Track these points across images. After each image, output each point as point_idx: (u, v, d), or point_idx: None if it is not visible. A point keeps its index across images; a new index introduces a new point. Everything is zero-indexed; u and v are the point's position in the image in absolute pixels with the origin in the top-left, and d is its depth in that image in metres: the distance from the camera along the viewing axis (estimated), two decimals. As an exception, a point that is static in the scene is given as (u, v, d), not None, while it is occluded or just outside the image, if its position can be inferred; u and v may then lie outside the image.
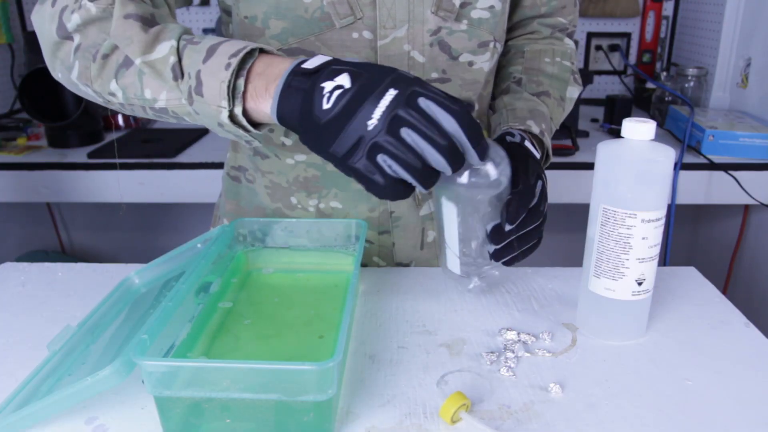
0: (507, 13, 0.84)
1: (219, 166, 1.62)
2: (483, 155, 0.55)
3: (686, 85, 1.89)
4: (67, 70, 0.66)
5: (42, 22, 0.67)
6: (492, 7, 0.79)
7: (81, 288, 0.83)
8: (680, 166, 1.60)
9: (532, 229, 0.68)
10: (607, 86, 2.22)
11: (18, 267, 0.89)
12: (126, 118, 1.98)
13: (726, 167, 1.60)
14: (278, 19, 0.73)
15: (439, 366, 0.65)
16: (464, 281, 0.74)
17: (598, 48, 2.18)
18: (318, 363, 0.49)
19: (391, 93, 0.51)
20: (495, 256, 0.68)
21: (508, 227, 0.65)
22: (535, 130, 0.80)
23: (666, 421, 0.57)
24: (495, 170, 0.62)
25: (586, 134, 1.81)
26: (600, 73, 2.19)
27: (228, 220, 0.95)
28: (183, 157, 1.68)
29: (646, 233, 0.65)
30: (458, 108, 0.53)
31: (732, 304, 0.78)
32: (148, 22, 0.62)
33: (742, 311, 0.76)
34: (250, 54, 0.59)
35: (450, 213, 0.67)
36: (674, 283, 0.82)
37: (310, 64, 0.56)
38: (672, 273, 0.85)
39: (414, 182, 0.53)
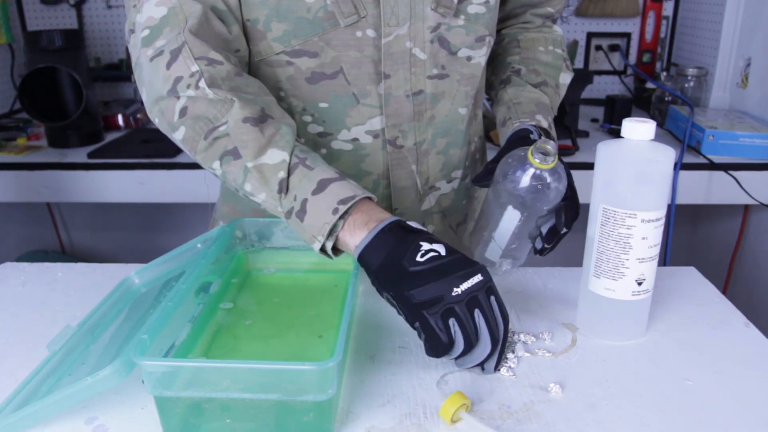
0: (498, 8, 0.85)
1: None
2: (495, 367, 0.64)
3: (686, 85, 1.89)
4: (168, 125, 0.70)
5: (153, 74, 0.69)
6: (487, 2, 0.80)
7: (81, 288, 0.83)
8: (680, 166, 1.60)
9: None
10: (607, 86, 2.22)
11: (18, 267, 0.89)
12: (126, 118, 1.98)
13: (726, 167, 1.60)
14: (280, 21, 0.73)
15: (439, 366, 0.65)
16: (495, 268, 0.78)
17: (598, 48, 2.18)
18: (318, 363, 0.49)
19: (478, 278, 0.61)
20: (543, 253, 0.76)
21: (563, 230, 0.73)
22: (545, 124, 0.83)
23: (666, 421, 0.57)
24: (562, 187, 0.69)
25: (586, 134, 1.81)
26: (600, 73, 2.19)
27: (224, 222, 0.94)
28: (183, 157, 1.68)
29: (646, 233, 0.65)
30: (508, 319, 0.63)
31: (732, 304, 0.78)
32: (261, 120, 0.67)
33: (742, 311, 0.76)
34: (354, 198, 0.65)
35: (512, 217, 0.72)
36: (674, 283, 0.82)
37: (413, 224, 0.64)
38: (672, 273, 0.85)
39: (459, 352, 0.60)
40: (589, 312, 0.71)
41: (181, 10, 0.68)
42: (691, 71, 1.89)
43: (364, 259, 0.63)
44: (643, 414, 0.58)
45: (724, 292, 1.77)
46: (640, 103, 2.09)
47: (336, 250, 0.66)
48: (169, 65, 0.68)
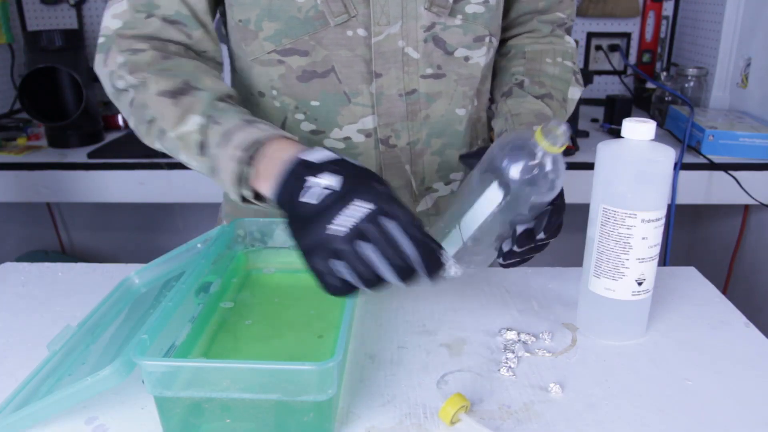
0: (501, 8, 0.83)
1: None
2: (432, 272, 0.55)
3: (686, 85, 1.89)
4: (126, 116, 0.75)
5: (100, 76, 0.76)
6: (486, 1, 0.79)
7: (81, 288, 0.83)
8: (680, 166, 1.59)
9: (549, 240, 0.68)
10: (607, 86, 2.22)
11: (18, 267, 0.89)
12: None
13: (726, 167, 1.60)
14: (271, 21, 0.74)
15: (439, 366, 0.65)
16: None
17: (598, 48, 2.18)
18: (318, 363, 0.49)
19: (362, 207, 0.53)
20: (506, 256, 0.67)
21: (541, 236, 0.65)
22: None
23: (666, 421, 0.57)
24: (557, 184, 0.62)
25: (586, 134, 1.81)
26: (600, 73, 2.19)
27: (228, 221, 0.95)
28: (183, 157, 1.68)
29: (646, 233, 0.65)
30: (420, 235, 0.54)
31: (732, 304, 0.78)
32: (180, 92, 0.69)
33: (742, 311, 0.76)
34: (262, 144, 0.63)
35: (492, 198, 0.63)
36: (674, 283, 0.82)
37: (315, 157, 0.58)
38: (672, 273, 0.85)
39: (363, 287, 0.55)
40: (589, 312, 0.71)
41: (135, 26, 0.73)
42: (691, 71, 1.89)
43: (282, 209, 0.59)
44: (643, 414, 0.58)
45: (724, 292, 1.77)
46: (640, 103, 2.09)
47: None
48: (105, 62, 0.74)
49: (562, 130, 0.58)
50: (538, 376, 0.63)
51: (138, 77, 0.71)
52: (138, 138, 0.75)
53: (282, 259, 0.81)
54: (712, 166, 1.60)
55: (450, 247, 0.67)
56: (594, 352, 0.68)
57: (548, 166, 0.60)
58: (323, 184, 0.55)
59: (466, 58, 0.81)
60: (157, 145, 0.72)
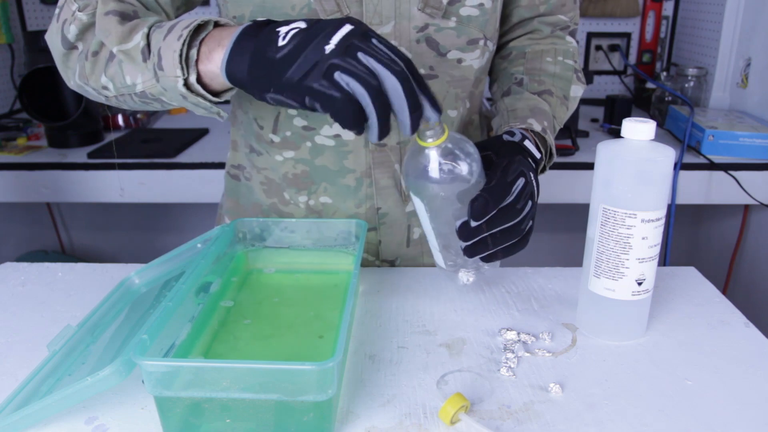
0: (499, 12, 0.83)
1: (219, 166, 1.62)
2: (432, 102, 0.57)
3: (686, 85, 1.89)
4: (74, 75, 0.72)
5: (51, 37, 0.73)
6: (482, 4, 0.78)
7: (81, 288, 0.83)
8: (680, 166, 1.60)
9: (510, 227, 0.66)
10: (607, 86, 2.22)
11: (18, 267, 0.89)
12: (126, 118, 1.98)
13: (726, 167, 1.60)
14: (265, 17, 0.74)
15: (439, 366, 0.65)
16: (455, 277, 0.72)
17: (598, 48, 2.18)
18: (318, 363, 0.49)
19: (348, 27, 0.54)
20: (467, 252, 0.66)
21: (473, 224, 0.64)
22: (537, 127, 0.78)
23: (666, 421, 0.57)
24: (460, 165, 0.63)
25: (586, 134, 1.81)
26: (600, 73, 2.19)
27: (228, 218, 0.95)
28: (183, 157, 1.68)
29: (646, 233, 0.65)
30: (402, 54, 0.55)
31: (732, 304, 0.78)
32: (127, 17, 0.67)
33: (742, 311, 0.76)
34: (204, 26, 0.62)
35: (420, 208, 0.67)
36: (674, 283, 0.82)
37: (264, 18, 0.59)
38: (672, 273, 0.85)
39: (369, 102, 0.53)
40: (589, 312, 0.71)
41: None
42: (691, 71, 1.89)
43: (233, 75, 0.59)
44: (643, 414, 0.58)
45: (724, 292, 1.77)
46: (640, 103, 2.09)
47: (214, 93, 0.64)
48: (57, 17, 0.72)
49: (433, 121, 0.59)
50: (538, 376, 0.63)
51: (89, 11, 0.69)
52: (77, 83, 0.73)
53: (282, 259, 0.81)
54: (712, 166, 1.60)
55: (438, 260, 0.71)
56: (594, 352, 0.68)
57: (436, 161, 0.62)
58: (293, 26, 0.55)
59: (459, 60, 0.81)
60: (102, 79, 0.69)
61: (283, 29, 0.56)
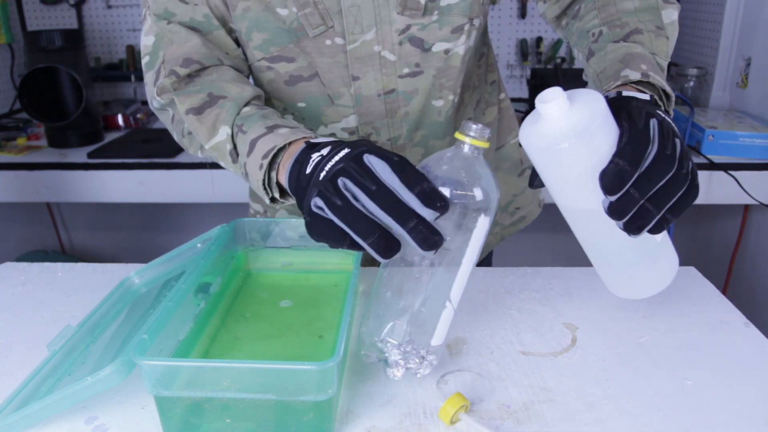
0: None
1: (218, 165, 1.62)
2: (425, 200, 0.52)
3: (686, 85, 1.89)
4: (171, 132, 0.82)
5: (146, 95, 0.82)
6: None
7: (81, 288, 0.83)
8: (680, 166, 1.59)
9: (670, 179, 0.54)
10: (607, 86, 2.22)
11: (18, 267, 0.89)
12: (126, 117, 1.98)
13: (726, 167, 1.60)
14: (259, 31, 0.79)
15: (439, 366, 0.65)
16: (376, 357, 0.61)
17: (598, 48, 2.18)
18: (318, 363, 0.49)
19: (342, 152, 0.56)
20: (628, 228, 0.56)
21: (611, 198, 0.54)
22: (635, 76, 0.68)
23: (666, 421, 0.57)
24: (479, 189, 0.56)
25: (586, 134, 1.81)
26: (600, 73, 2.19)
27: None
28: (183, 157, 1.68)
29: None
30: (396, 158, 0.54)
31: (732, 304, 0.77)
32: (206, 105, 0.73)
33: (742, 311, 0.76)
34: (281, 148, 0.65)
35: (483, 230, 0.58)
36: (674, 283, 0.82)
37: (318, 139, 0.62)
38: (672, 273, 0.85)
39: (343, 226, 0.53)
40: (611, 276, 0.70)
41: (165, 35, 0.77)
42: (691, 71, 1.89)
43: (295, 193, 0.61)
44: (643, 414, 0.58)
45: (724, 292, 1.77)
46: (640, 103, 2.09)
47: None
48: (145, 84, 0.81)
49: (478, 126, 0.57)
50: (538, 376, 0.63)
51: (166, 98, 0.76)
52: (182, 147, 0.82)
53: (282, 259, 0.81)
54: (712, 166, 1.60)
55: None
56: (594, 352, 0.68)
57: (424, 212, 0.53)
58: (323, 153, 0.58)
59: (446, 51, 0.81)
60: (200, 155, 0.78)
61: (314, 156, 0.58)
